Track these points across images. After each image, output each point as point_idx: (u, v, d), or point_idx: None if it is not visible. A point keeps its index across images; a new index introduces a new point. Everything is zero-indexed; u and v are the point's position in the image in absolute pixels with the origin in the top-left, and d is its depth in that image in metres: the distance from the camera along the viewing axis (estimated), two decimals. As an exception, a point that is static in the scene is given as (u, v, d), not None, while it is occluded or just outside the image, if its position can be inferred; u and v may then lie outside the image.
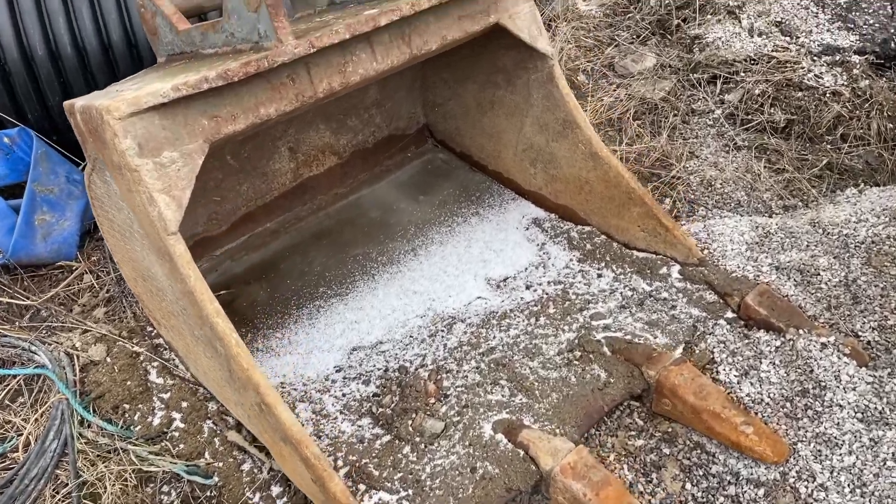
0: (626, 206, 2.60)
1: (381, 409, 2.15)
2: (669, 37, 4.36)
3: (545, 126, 2.74)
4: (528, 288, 2.58)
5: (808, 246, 2.60)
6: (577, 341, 2.29)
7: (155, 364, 2.42)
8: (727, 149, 3.58)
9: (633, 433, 2.12)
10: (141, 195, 1.82)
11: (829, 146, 3.52)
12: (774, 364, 2.14)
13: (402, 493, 1.89)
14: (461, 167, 3.19)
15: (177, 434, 2.26)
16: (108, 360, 2.42)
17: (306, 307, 2.56)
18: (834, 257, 2.54)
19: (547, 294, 2.53)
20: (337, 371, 2.35)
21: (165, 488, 2.14)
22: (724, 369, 2.15)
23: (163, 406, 2.33)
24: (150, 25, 2.39)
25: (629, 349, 2.20)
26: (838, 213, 2.85)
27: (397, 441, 2.05)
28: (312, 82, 2.02)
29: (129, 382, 2.36)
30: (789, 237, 2.67)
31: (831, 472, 1.89)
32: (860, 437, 1.94)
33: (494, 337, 2.37)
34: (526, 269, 2.67)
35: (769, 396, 2.07)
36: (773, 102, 3.63)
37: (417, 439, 2.03)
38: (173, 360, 2.49)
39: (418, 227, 2.88)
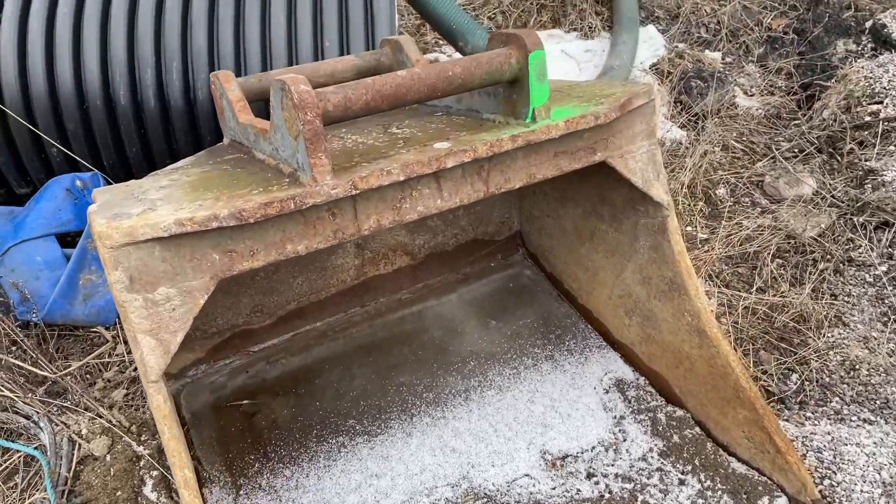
0: (731, 404, 2.09)
1: None
2: (838, 159, 3.70)
3: (648, 279, 2.27)
4: (589, 477, 2.12)
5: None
6: (628, 579, 1.82)
7: (154, 473, 2.17)
8: (886, 319, 2.93)
9: None
10: (127, 331, 1.55)
11: None
12: None
13: None
14: (547, 292, 2.76)
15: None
16: (108, 458, 2.20)
17: (327, 442, 2.23)
18: None
19: (611, 493, 2.06)
20: (342, 533, 2.00)
21: None
22: None
23: (146, 530, 2.08)
24: (218, 105, 2.15)
25: None
26: None
27: None
28: (357, 218, 1.68)
29: (118, 493, 2.12)
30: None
31: None
32: None
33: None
34: (593, 448, 2.21)
35: None
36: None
37: None
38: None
39: (479, 362, 2.48)
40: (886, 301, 3.00)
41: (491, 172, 1.82)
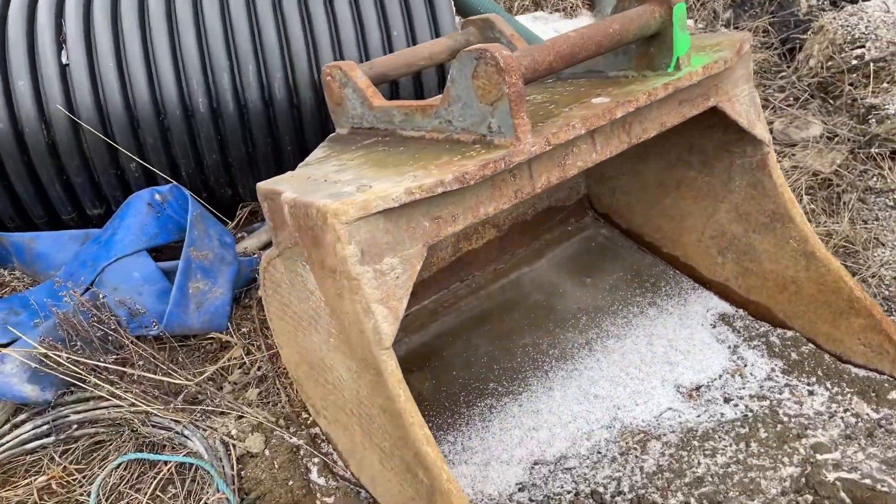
0: (845, 316, 2.29)
1: (582, 549, 1.89)
2: (832, 102, 4.02)
3: (745, 215, 2.45)
4: (727, 402, 2.28)
5: None
6: (803, 480, 1.99)
7: (315, 461, 2.21)
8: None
9: None
10: (355, 304, 1.61)
11: None
12: None
13: None
14: (627, 246, 2.92)
15: (343, 549, 2.04)
16: (267, 452, 2.22)
17: (477, 406, 2.32)
18: None
19: (752, 412, 2.23)
20: (520, 489, 2.09)
21: None
22: None
23: (326, 513, 2.12)
24: (337, 95, 2.21)
25: (877, 498, 1.89)
26: None
27: None
28: (532, 178, 1.79)
29: (290, 482, 2.16)
30: None
31: None
32: None
33: (699, 463, 2.09)
34: (720, 376, 2.38)
35: None
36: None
37: None
38: (331, 454, 2.28)
39: (589, 316, 2.62)
40: (913, 220, 3.30)
41: (633, 124, 1.96)
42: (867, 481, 1.95)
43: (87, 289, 2.54)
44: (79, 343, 2.35)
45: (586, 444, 2.20)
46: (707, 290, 2.69)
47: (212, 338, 2.58)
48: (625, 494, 2.03)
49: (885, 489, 1.92)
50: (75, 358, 2.31)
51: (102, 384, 2.28)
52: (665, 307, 2.64)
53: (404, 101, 1.98)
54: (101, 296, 2.48)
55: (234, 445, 2.24)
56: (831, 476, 1.98)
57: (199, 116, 2.65)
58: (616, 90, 1.91)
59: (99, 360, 2.32)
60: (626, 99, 1.80)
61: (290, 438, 2.26)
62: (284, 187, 1.77)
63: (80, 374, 2.30)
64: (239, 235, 2.95)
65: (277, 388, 2.43)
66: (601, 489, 2.05)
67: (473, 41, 2.46)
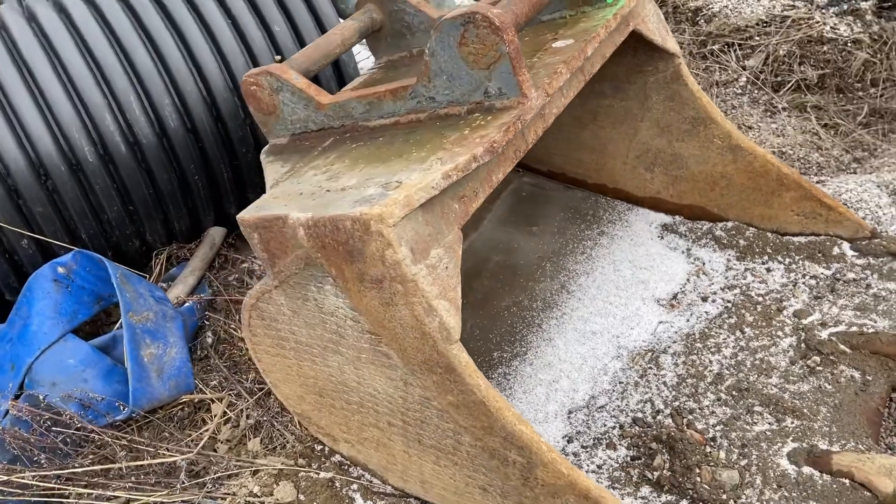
0: (776, 193, 2.52)
1: (656, 473, 1.95)
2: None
3: (667, 128, 2.60)
4: (705, 300, 2.44)
5: (944, 195, 2.63)
6: (803, 345, 2.18)
7: (354, 487, 2.08)
8: (769, 114, 3.61)
9: (913, 426, 2.05)
10: (414, 307, 1.51)
11: (861, 93, 3.62)
12: None
13: (751, 561, 1.71)
14: (556, 188, 2.99)
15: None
16: (302, 497, 2.06)
17: (492, 378, 2.30)
18: (977, 201, 2.58)
19: (730, 302, 2.40)
20: (568, 441, 2.11)
21: None
22: (969, 338, 2.11)
23: (388, 534, 2.01)
24: (267, 104, 2.03)
25: (870, 341, 2.12)
26: (935, 157, 2.91)
27: (693, 501, 1.86)
28: (524, 135, 1.76)
29: (342, 518, 2.02)
30: (916, 189, 2.69)
31: None
32: None
33: (711, 361, 2.22)
34: (688, 279, 2.53)
35: None
36: (801, 60, 3.69)
37: (723, 496, 1.85)
38: (363, 476, 2.16)
39: (552, 262, 2.66)
40: (760, 101, 3.68)
41: (586, 62, 1.99)
42: (854, 328, 2.18)
43: (19, 395, 2.17)
44: (41, 456, 2.01)
45: (606, 378, 2.26)
46: (641, 207, 2.84)
47: (181, 403, 2.32)
48: (663, 411, 2.11)
49: (871, 329, 2.16)
50: (43, 474, 1.98)
51: (88, 490, 1.98)
52: (614, 233, 2.74)
53: (364, 91, 1.86)
54: (41, 397, 2.13)
55: (262, 503, 2.05)
56: (824, 334, 2.20)
57: (89, 168, 2.32)
58: (569, 31, 1.92)
59: (74, 467, 2.00)
60: (589, 36, 1.82)
61: (321, 474, 2.11)
62: (286, 210, 1.61)
63: (56, 488, 1.98)
64: (161, 286, 2.65)
65: (279, 430, 2.24)
66: (640, 414, 2.13)
67: (377, 17, 2.36)
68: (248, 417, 2.28)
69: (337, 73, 2.70)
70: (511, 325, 2.45)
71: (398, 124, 1.82)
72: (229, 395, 2.33)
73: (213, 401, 2.31)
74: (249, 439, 2.23)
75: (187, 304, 2.50)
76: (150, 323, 2.28)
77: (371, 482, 2.14)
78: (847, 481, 1.80)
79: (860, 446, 1.90)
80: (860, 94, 3.63)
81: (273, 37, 2.56)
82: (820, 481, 1.82)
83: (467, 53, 1.59)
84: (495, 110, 1.63)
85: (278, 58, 2.57)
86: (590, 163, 2.88)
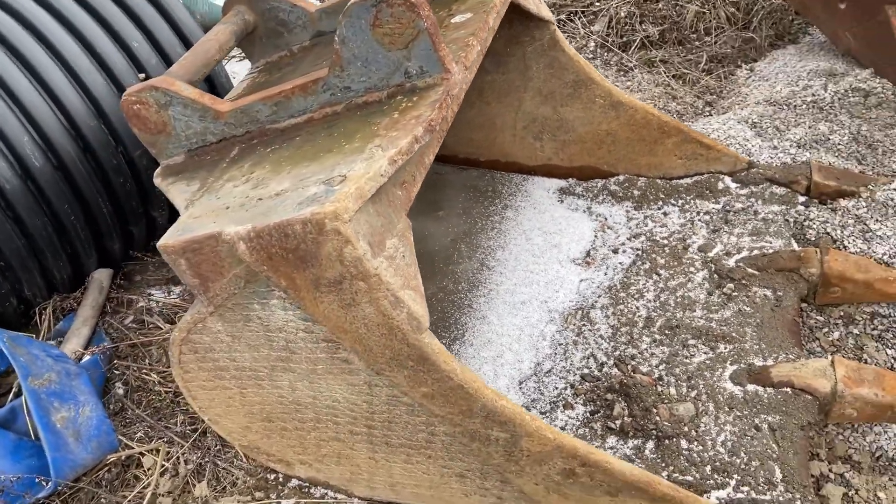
0: (659, 141, 2.66)
1: (618, 422, 2.00)
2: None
3: (550, 95, 2.67)
4: (616, 252, 2.54)
5: (796, 121, 2.90)
6: (716, 276, 2.33)
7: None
8: (623, 73, 3.81)
9: (824, 330, 2.24)
10: (379, 302, 1.45)
11: (698, 43, 3.92)
12: (880, 221, 2.38)
13: (725, 481, 1.80)
14: (451, 170, 2.99)
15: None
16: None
17: (435, 367, 2.26)
18: (824, 120, 2.86)
19: (639, 249, 2.51)
20: (527, 411, 2.12)
21: None
22: (852, 244, 2.34)
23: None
24: (155, 122, 1.86)
25: (774, 258, 2.29)
26: (779, 90, 3.20)
27: (665, 441, 1.93)
28: (441, 108, 1.74)
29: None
30: (773, 119, 2.94)
31: None
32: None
33: (638, 307, 2.31)
34: (596, 236, 2.62)
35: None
36: (642, 19, 3.92)
37: (685, 428, 1.93)
38: (326, 494, 2.06)
39: (466, 242, 2.66)
40: (612, 62, 3.88)
41: (489, 33, 1.99)
42: (756, 252, 2.35)
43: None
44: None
45: (545, 343, 2.29)
46: (535, 175, 2.90)
47: (107, 464, 2.09)
48: (607, 363, 2.18)
49: (770, 250, 2.34)
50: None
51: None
52: (517, 205, 2.79)
53: (268, 92, 1.75)
54: (-58, 492, 1.86)
55: (229, 548, 1.90)
56: (731, 262, 2.35)
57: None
58: (463, 5, 1.91)
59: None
60: (487, 7, 1.83)
61: (282, 502, 1.99)
62: (216, 227, 1.49)
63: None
64: (52, 344, 2.38)
65: (224, 469, 2.09)
66: (586, 370, 2.18)
67: (250, 19, 2.23)
68: (186, 463, 2.10)
69: (209, 84, 2.53)
70: (442, 311, 2.43)
71: (312, 121, 1.73)
72: (159, 444, 2.14)
73: (142, 454, 2.11)
74: (194, 486, 2.06)
75: (88, 358, 2.26)
76: (55, 385, 2.04)
77: (336, 498, 2.05)
78: (788, 390, 1.94)
79: (789, 356, 2.06)
80: (697, 44, 3.92)
81: (133, 54, 2.35)
82: (765, 395, 1.95)
83: (382, 35, 1.54)
84: (419, 90, 1.59)
85: (142, 76, 2.37)
86: (480, 140, 2.90)
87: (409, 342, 1.51)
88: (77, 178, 2.24)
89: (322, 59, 2.08)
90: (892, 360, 2.16)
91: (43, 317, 2.36)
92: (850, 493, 1.93)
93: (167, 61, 2.42)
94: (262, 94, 1.75)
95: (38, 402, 1.97)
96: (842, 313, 2.26)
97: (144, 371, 2.32)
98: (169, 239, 1.55)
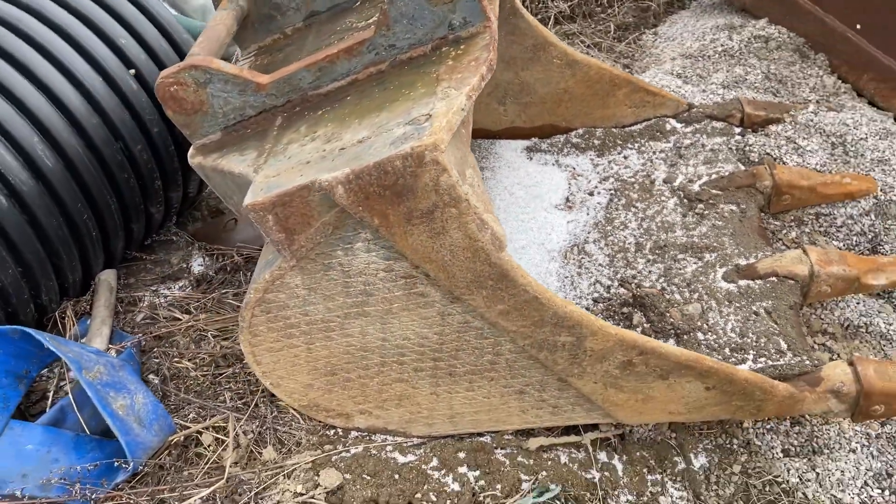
0: (611, 93, 2.97)
1: (639, 329, 2.26)
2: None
3: (511, 60, 2.91)
4: (592, 195, 2.82)
5: (714, 67, 3.31)
6: (686, 201, 2.65)
7: (388, 448, 2.12)
8: (544, 46, 4.13)
9: (783, 232, 2.61)
10: (467, 226, 1.63)
11: (604, 15, 4.30)
12: (806, 138, 2.80)
13: (744, 357, 2.10)
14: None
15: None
16: (348, 476, 2.04)
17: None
18: (738, 64, 3.29)
19: (612, 189, 2.81)
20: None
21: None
22: (789, 159, 2.74)
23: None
24: (193, 102, 1.94)
25: (731, 179, 2.64)
26: (689, 46, 3.62)
27: (684, 336, 2.21)
28: (495, 52, 1.91)
29: (394, 472, 2.04)
30: (694, 69, 3.34)
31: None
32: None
33: (626, 236, 2.60)
34: (569, 184, 2.89)
35: (825, 159, 2.73)
36: (552, -4, 4.27)
37: (698, 323, 2.22)
38: (385, 440, 2.19)
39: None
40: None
41: None
42: (714, 176, 2.70)
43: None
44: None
45: (553, 279, 2.53)
46: (500, 139, 3.14)
47: (168, 447, 2.12)
48: (612, 285, 2.44)
49: (726, 172, 2.69)
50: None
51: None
52: (492, 166, 3.01)
53: (310, 59, 1.87)
54: (18, 494, 1.85)
55: (312, 497, 2.00)
56: (695, 187, 2.69)
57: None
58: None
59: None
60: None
61: (351, 450, 2.10)
62: (306, 178, 1.61)
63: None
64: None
65: (285, 433, 2.17)
66: (596, 294, 2.43)
67: (244, 5, 2.32)
68: (246, 434, 2.17)
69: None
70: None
71: (357, 81, 1.87)
72: (215, 420, 2.19)
73: (200, 432, 2.15)
74: (260, 453, 2.13)
75: (122, 352, 2.27)
76: (105, 377, 2.05)
77: (396, 440, 2.19)
78: (774, 278, 2.28)
79: (765, 253, 2.40)
80: (603, 16, 4.30)
81: (121, 51, 2.38)
82: (756, 286, 2.28)
83: (430, -9, 1.71)
84: (463, 40, 1.78)
85: (132, 71, 2.40)
86: (446, 111, 3.10)
87: (491, 261, 1.70)
88: (86, 177, 2.24)
89: (327, 35, 2.21)
90: (840, 250, 2.56)
91: (65, 320, 2.33)
92: (833, 357, 2.29)
93: (153, 56, 2.46)
94: (304, 62, 1.87)
95: (98, 393, 1.98)
96: (793, 217, 2.65)
97: (175, 359, 2.35)
98: (256, 197, 1.65)
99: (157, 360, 2.31)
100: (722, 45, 3.46)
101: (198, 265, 2.78)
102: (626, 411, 2.04)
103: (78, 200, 2.23)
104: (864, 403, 1.93)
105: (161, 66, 2.45)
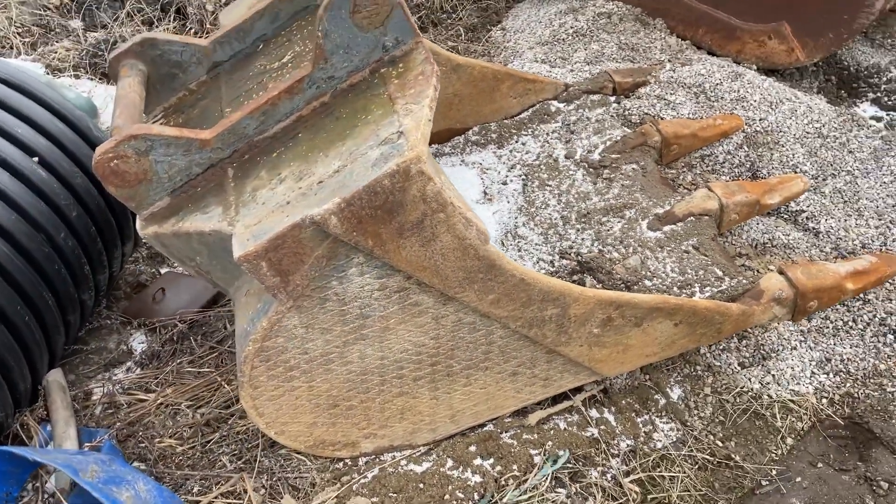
0: (496, 88, 3.16)
1: (584, 282, 2.45)
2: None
3: (400, 76, 3.03)
4: (506, 184, 2.99)
5: (572, 48, 3.61)
6: (591, 169, 2.89)
7: (402, 463, 2.17)
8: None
9: (680, 178, 2.92)
10: (454, 227, 1.75)
11: (450, 21, 4.52)
12: (672, 94, 3.13)
13: (693, 291, 2.35)
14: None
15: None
16: (375, 499, 2.07)
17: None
18: (592, 41, 3.61)
19: (523, 174, 3.00)
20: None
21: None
22: (666, 114, 3.06)
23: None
24: (135, 173, 1.90)
25: (625, 141, 2.92)
26: (541, 34, 3.91)
27: (634, 287, 2.42)
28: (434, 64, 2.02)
29: (422, 485, 2.10)
30: (554, 53, 3.62)
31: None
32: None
33: (551, 214, 2.79)
34: (482, 179, 3.05)
35: (694, 108, 3.08)
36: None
37: (642, 272, 2.45)
38: (393, 457, 2.24)
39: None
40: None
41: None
42: (609, 143, 2.96)
43: None
44: None
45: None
46: (402, 152, 3.24)
47: (181, 526, 2.05)
48: (555, 258, 2.62)
49: (617, 138, 2.96)
50: None
51: None
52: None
53: (253, 105, 1.89)
54: None
55: (349, 529, 2.01)
56: (596, 156, 2.93)
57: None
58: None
59: None
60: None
61: (367, 475, 2.14)
62: (292, 219, 1.64)
63: None
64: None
65: (298, 477, 2.16)
66: (542, 270, 2.60)
67: (144, 69, 2.27)
68: (257, 490, 2.14)
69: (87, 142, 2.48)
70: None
71: (302, 118, 1.92)
72: (221, 487, 2.14)
73: (212, 502, 2.10)
74: (281, 497, 2.11)
75: (100, 448, 2.16)
76: (102, 474, 1.95)
77: (404, 454, 2.24)
78: (692, 217, 2.55)
79: (675, 199, 2.68)
80: (449, 21, 4.53)
81: (20, 140, 2.25)
82: (679, 228, 2.54)
83: (361, 19, 1.79)
84: (399, 59, 1.88)
85: (35, 159, 2.28)
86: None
87: (479, 255, 1.81)
88: (18, 277, 2.10)
89: (242, 82, 2.23)
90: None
91: (29, 430, 2.16)
92: (755, 274, 2.60)
93: (52, 139, 2.34)
94: (246, 110, 1.89)
95: (102, 491, 1.88)
96: (683, 163, 2.97)
97: (157, 440, 2.26)
98: (246, 247, 1.66)
99: (142, 445, 2.21)
100: (571, 27, 3.77)
101: (139, 343, 2.67)
102: (610, 364, 2.22)
103: (16, 303, 2.09)
104: (801, 303, 2.23)
105: (61, 147, 2.34)
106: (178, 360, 2.56)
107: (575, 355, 2.15)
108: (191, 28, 4.81)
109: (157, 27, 4.83)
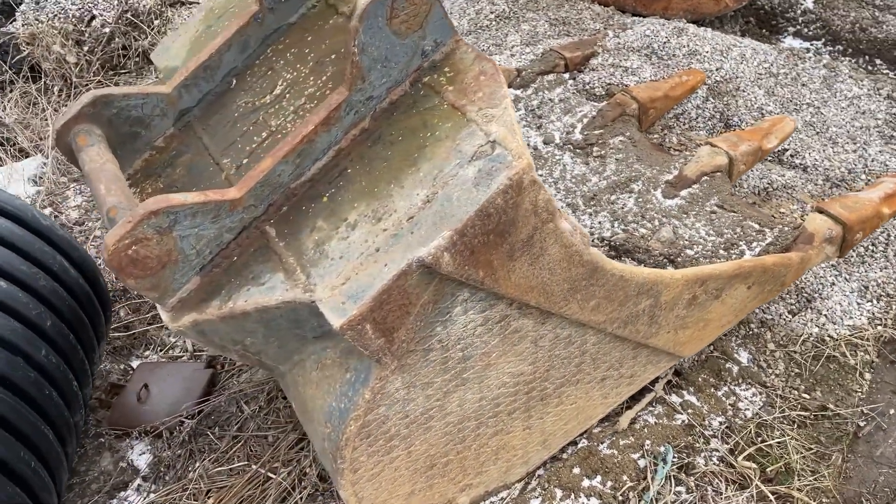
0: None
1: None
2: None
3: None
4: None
5: (503, 32, 3.47)
6: (578, 151, 2.77)
7: (511, 507, 1.96)
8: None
9: (665, 140, 2.85)
10: (561, 235, 1.57)
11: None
12: (626, 59, 3.07)
13: (741, 249, 2.28)
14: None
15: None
16: None
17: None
18: (520, 22, 3.49)
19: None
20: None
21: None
22: (628, 80, 2.99)
23: None
24: (159, 256, 1.55)
25: (603, 115, 2.81)
26: (464, 25, 3.75)
27: (678, 259, 2.31)
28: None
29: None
30: (485, 42, 3.48)
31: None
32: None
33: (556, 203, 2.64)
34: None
35: (651, 70, 3.03)
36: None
37: (680, 244, 2.35)
38: (493, 502, 2.01)
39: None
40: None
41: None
42: (585, 120, 2.85)
43: None
44: None
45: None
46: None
47: None
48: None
49: (590, 116, 2.86)
50: None
51: None
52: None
53: (284, 148, 1.58)
54: None
55: None
56: (576, 136, 2.82)
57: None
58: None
59: None
60: None
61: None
62: (396, 267, 1.38)
63: None
64: None
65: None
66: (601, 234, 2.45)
67: (101, 132, 1.88)
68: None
69: (47, 241, 2.04)
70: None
71: (341, 151, 1.64)
72: None
73: None
74: None
75: None
76: None
77: (505, 496, 2.02)
78: (705, 177, 2.49)
79: (677, 163, 2.61)
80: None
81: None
82: (696, 189, 2.47)
83: (400, 24, 1.54)
84: (440, 63, 1.64)
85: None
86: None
87: (584, 260, 1.63)
88: (11, 417, 1.69)
89: (228, 126, 1.90)
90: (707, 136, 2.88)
91: None
92: (781, 218, 2.58)
93: (11, 247, 1.90)
94: (277, 155, 1.58)
95: None
96: (661, 126, 2.92)
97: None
98: (347, 313, 1.37)
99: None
100: (492, 12, 3.63)
101: (139, 455, 2.26)
102: (692, 344, 2.10)
103: (20, 450, 1.66)
104: (849, 237, 2.22)
105: (22, 253, 1.91)
106: (198, 461, 2.18)
107: (662, 344, 2.02)
108: (54, 85, 4.25)
109: (9, 90, 4.23)
